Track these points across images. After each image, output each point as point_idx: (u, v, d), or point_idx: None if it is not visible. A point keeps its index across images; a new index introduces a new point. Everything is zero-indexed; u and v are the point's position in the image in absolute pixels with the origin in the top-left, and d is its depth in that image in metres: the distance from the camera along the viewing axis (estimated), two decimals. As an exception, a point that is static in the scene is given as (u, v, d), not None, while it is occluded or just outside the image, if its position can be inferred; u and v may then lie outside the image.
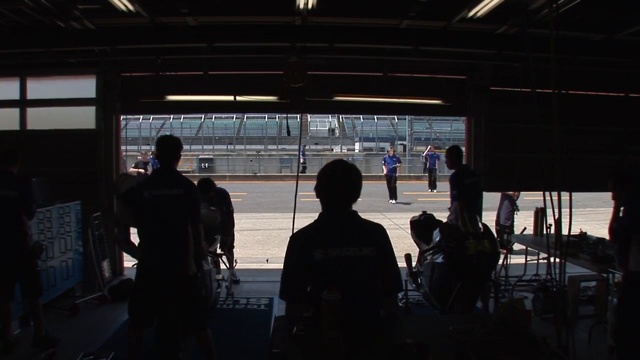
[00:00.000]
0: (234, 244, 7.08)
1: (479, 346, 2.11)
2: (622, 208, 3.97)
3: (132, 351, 3.76)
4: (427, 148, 22.81)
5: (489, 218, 7.30)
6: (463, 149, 7.26)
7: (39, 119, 7.14)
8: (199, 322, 3.83)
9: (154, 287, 3.68)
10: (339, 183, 2.40)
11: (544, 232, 5.52)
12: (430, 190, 20.21)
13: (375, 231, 2.44)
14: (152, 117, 31.93)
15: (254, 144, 33.34)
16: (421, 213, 6.37)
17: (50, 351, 4.42)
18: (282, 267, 2.42)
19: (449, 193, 6.06)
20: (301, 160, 27.70)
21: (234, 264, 6.95)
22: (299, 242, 2.40)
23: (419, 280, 5.43)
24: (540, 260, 6.76)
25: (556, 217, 3.13)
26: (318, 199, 2.45)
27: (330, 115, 34.66)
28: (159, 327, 3.90)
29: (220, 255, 6.30)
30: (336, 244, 2.31)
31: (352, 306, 2.21)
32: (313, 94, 6.97)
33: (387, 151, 18.72)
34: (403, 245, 9.17)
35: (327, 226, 2.40)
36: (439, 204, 13.66)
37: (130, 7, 5.35)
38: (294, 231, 2.47)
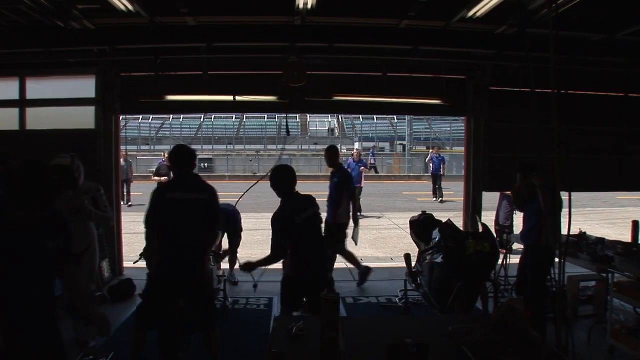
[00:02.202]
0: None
1: (479, 346, 2.11)
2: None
3: (136, 351, 3.77)
4: (431, 150, 19.16)
5: (488, 218, 7.29)
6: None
7: (39, 119, 7.13)
8: (211, 321, 3.87)
9: (169, 291, 3.69)
10: (290, 177, 4.07)
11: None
12: (434, 198, 16.84)
13: (313, 198, 4.17)
14: (151, 117, 31.95)
15: (254, 144, 33.32)
16: (421, 213, 6.36)
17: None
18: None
19: (331, 190, 6.64)
20: (372, 161, 27.70)
21: (234, 265, 6.94)
22: (284, 216, 3.93)
23: (419, 280, 5.43)
24: (539, 260, 6.75)
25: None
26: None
27: (329, 115, 34.63)
28: (161, 327, 3.89)
29: (223, 255, 6.32)
30: (301, 211, 3.99)
31: (315, 246, 4.07)
32: (312, 94, 6.99)
33: (353, 154, 13.82)
34: (403, 245, 9.17)
35: (293, 203, 4.02)
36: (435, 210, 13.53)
37: (130, 7, 5.35)
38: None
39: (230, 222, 6.38)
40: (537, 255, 4.69)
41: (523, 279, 4.97)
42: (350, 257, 6.89)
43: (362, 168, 13.20)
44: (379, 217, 13.55)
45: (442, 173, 16.91)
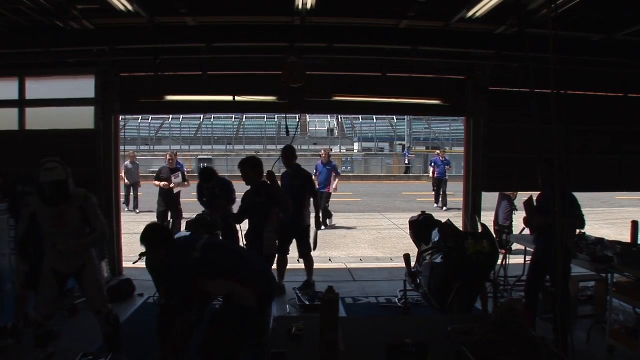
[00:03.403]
0: None
1: (478, 346, 2.11)
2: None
3: None
4: (438, 152, 16.55)
5: (487, 218, 7.31)
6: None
7: (38, 119, 7.12)
8: None
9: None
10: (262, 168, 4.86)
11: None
12: (436, 204, 14.79)
13: None
14: (151, 117, 31.96)
15: (253, 144, 33.30)
16: (420, 213, 6.36)
17: (49, 352, 4.41)
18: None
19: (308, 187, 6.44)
20: (406, 161, 27.30)
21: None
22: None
23: (418, 280, 5.43)
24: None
25: (555, 217, 3.14)
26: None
27: (329, 116, 34.64)
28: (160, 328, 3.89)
29: None
30: None
31: None
32: (312, 94, 6.98)
33: (321, 155, 11.63)
34: (402, 245, 9.17)
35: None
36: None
37: (129, 7, 5.34)
38: None
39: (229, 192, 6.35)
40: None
41: (537, 278, 4.88)
42: (309, 264, 6.51)
43: (335, 178, 11.35)
44: (379, 217, 13.54)
45: (446, 178, 14.86)
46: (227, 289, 3.19)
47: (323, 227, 10.61)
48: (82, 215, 4.00)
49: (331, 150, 17.01)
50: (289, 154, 6.38)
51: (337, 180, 11.46)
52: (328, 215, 11.52)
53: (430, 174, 15.69)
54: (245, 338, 3.30)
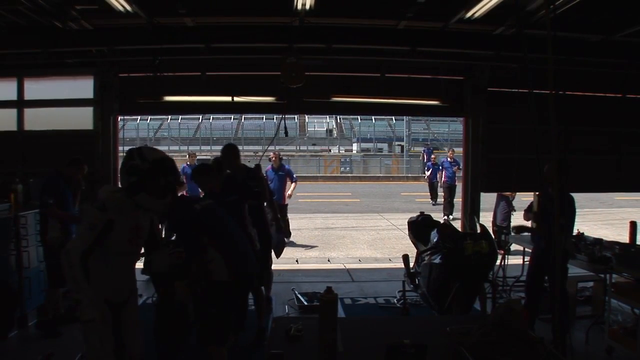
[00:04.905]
0: None
1: (477, 347, 2.12)
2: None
3: None
4: (434, 157, 14.90)
5: (486, 219, 7.30)
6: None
7: (37, 120, 7.12)
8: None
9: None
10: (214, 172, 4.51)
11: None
12: (445, 216, 12.12)
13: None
14: (149, 117, 31.90)
15: (252, 145, 33.23)
16: (419, 214, 6.37)
17: (48, 352, 4.41)
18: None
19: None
20: (425, 159, 26.55)
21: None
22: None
23: (417, 280, 5.43)
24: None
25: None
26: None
27: (327, 116, 34.61)
28: (159, 327, 3.89)
29: None
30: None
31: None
32: (311, 94, 6.99)
33: (271, 158, 9.60)
34: (401, 246, 9.17)
35: None
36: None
37: (128, 7, 5.34)
38: None
39: None
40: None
41: (537, 279, 4.90)
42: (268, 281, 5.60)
43: (291, 185, 9.68)
44: (377, 218, 13.52)
45: (455, 183, 12.84)
46: (209, 253, 3.50)
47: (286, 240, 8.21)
48: (149, 231, 3.18)
49: (325, 150, 16.20)
50: (231, 154, 5.20)
51: (293, 185, 9.77)
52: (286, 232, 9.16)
53: (428, 177, 14.64)
54: (227, 313, 3.58)
